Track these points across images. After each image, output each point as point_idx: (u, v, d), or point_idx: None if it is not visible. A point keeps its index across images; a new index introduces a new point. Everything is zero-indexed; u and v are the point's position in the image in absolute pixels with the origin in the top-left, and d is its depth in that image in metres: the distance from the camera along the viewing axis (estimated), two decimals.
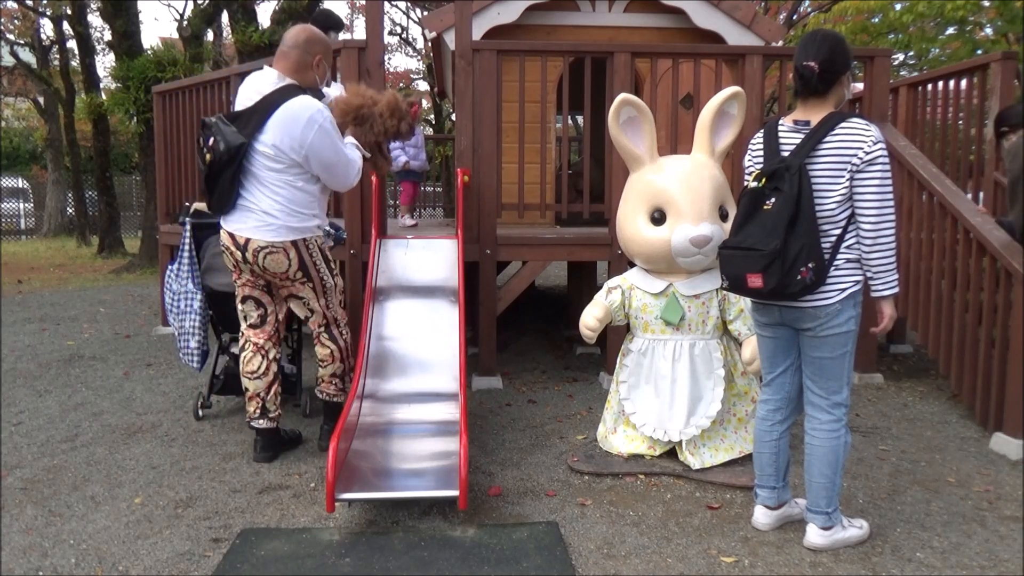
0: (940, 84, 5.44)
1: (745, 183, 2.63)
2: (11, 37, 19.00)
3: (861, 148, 2.38)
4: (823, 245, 2.42)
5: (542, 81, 4.68)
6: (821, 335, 2.49)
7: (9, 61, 19.16)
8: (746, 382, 3.42)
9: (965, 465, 3.38)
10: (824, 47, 2.43)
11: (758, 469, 2.75)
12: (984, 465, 3.38)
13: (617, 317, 3.45)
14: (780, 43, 6.72)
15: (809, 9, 15.47)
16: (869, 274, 2.46)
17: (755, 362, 3.24)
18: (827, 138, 2.42)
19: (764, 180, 2.46)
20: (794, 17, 15.02)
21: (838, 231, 2.45)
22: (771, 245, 2.36)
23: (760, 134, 2.64)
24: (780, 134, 2.55)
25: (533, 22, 6.35)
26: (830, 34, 2.51)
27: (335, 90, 3.53)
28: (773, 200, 2.42)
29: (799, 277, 2.37)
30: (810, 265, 2.37)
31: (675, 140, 4.60)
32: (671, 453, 3.36)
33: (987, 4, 10.08)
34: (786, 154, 2.48)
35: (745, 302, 3.31)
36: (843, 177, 2.40)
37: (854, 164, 2.38)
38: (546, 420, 4.00)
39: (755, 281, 2.41)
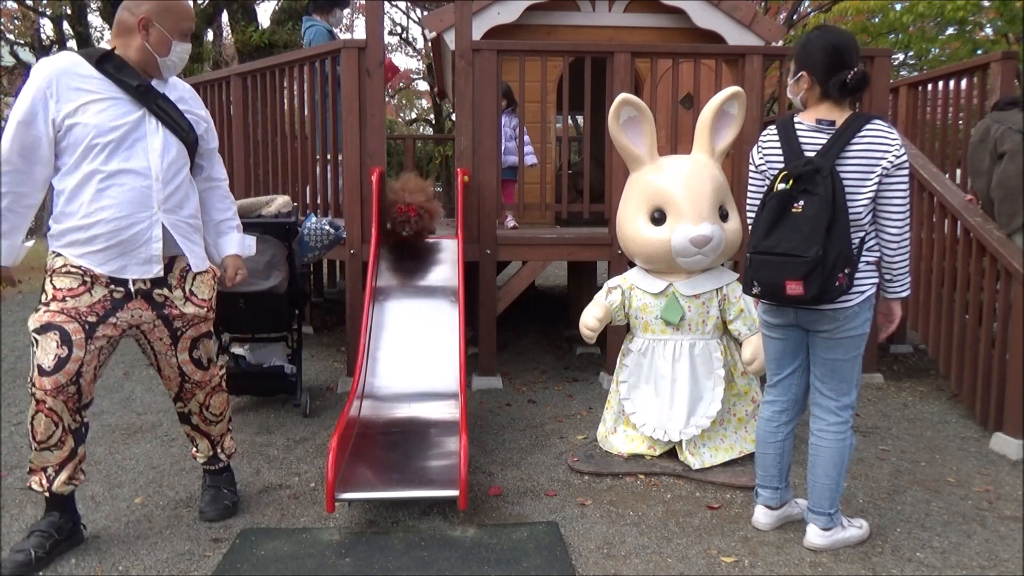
0: (940, 84, 5.45)
1: (755, 179, 2.59)
2: (11, 37, 18.99)
3: (891, 151, 2.34)
4: None
5: (542, 81, 4.68)
6: (837, 337, 2.46)
7: (9, 61, 19.15)
8: (746, 382, 3.42)
9: (965, 465, 3.38)
10: (858, 50, 2.42)
11: (761, 470, 2.74)
12: (984, 465, 3.38)
13: (617, 317, 3.45)
14: (780, 43, 6.73)
15: (809, 9, 15.48)
16: (888, 276, 2.45)
17: (755, 362, 3.24)
18: (854, 140, 2.36)
19: (792, 181, 2.37)
20: (794, 17, 15.02)
21: (862, 234, 2.41)
22: (812, 251, 2.29)
23: (772, 131, 2.54)
24: (799, 133, 2.46)
25: (533, 22, 6.35)
26: (851, 36, 2.47)
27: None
28: (803, 203, 2.34)
29: (837, 284, 2.32)
30: (846, 271, 2.32)
31: (675, 140, 4.59)
32: (671, 453, 3.36)
33: (987, 4, 10.08)
34: (810, 154, 2.41)
35: (747, 302, 3.31)
36: (870, 180, 2.35)
37: (884, 168, 2.34)
38: (546, 420, 4.00)
39: (796, 288, 2.32)
